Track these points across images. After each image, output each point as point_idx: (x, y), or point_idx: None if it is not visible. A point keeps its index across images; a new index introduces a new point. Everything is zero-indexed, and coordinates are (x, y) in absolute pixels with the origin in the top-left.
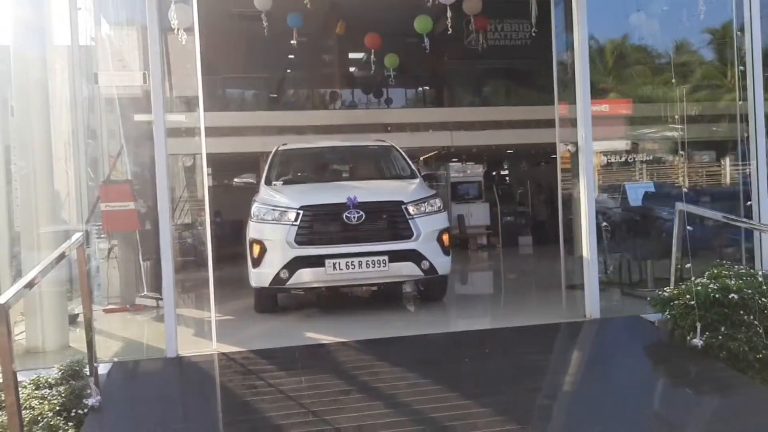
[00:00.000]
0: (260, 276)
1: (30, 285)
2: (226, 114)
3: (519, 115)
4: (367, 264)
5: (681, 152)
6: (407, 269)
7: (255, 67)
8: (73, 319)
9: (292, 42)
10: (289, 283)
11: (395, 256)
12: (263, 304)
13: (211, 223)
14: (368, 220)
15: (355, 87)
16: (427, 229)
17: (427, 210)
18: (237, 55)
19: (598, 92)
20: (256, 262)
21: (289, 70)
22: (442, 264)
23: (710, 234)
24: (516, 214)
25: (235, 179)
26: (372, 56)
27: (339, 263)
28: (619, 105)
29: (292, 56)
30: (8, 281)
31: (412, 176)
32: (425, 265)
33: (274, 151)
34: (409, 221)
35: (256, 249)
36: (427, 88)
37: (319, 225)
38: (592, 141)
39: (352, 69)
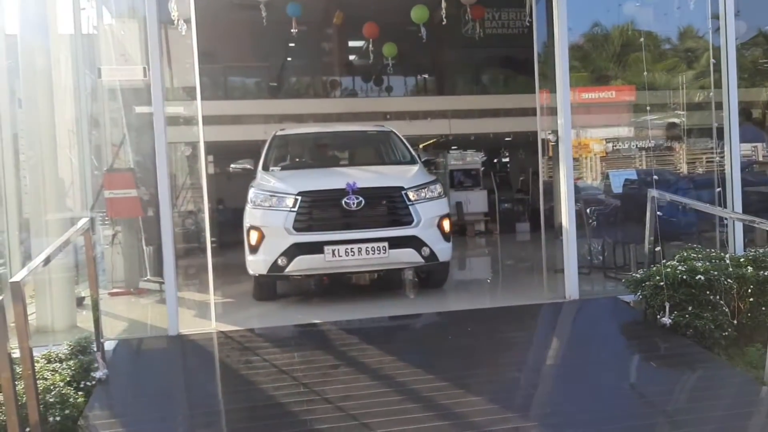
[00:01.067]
0: (258, 263)
1: (42, 265)
2: (227, 102)
3: (516, 103)
4: (366, 251)
5: (670, 140)
6: (407, 256)
7: (255, 55)
8: (79, 302)
9: (292, 31)
10: (287, 270)
11: (395, 243)
12: (262, 292)
13: (214, 210)
14: (368, 206)
15: (355, 75)
16: (428, 215)
17: (427, 196)
18: (237, 44)
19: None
20: (254, 249)
21: (289, 59)
22: (443, 250)
23: (695, 220)
24: (513, 201)
25: (232, 165)
26: (370, 45)
27: (338, 250)
28: (621, 91)
29: (292, 45)
30: (19, 265)
31: (412, 162)
32: (425, 251)
33: (271, 136)
34: (409, 207)
35: (254, 235)
36: (426, 76)
37: (318, 211)
38: (570, 130)
39: (351, 57)
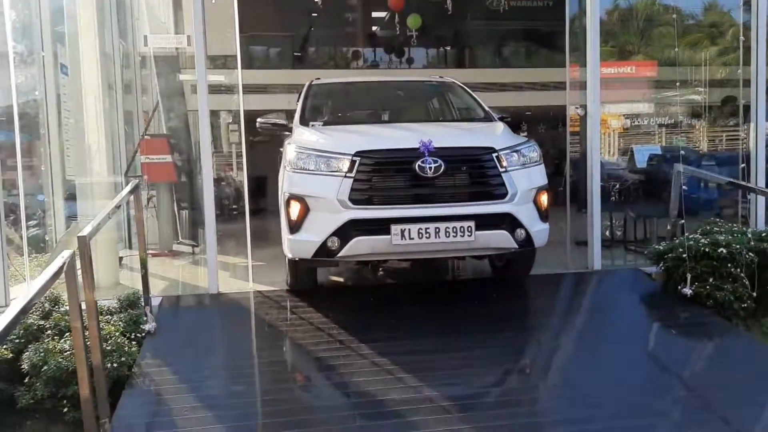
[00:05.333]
0: (300, 245)
1: (104, 222)
2: (251, 72)
3: (539, 77)
4: (446, 232)
5: (695, 118)
6: (498, 240)
7: (279, 25)
8: (119, 261)
9: (315, 0)
10: (340, 255)
11: (483, 222)
12: (300, 280)
13: (233, 180)
14: (448, 172)
15: (377, 46)
16: (524, 186)
17: (523, 161)
18: (262, 14)
19: (616, 54)
20: (295, 226)
21: (312, 29)
22: (540, 233)
23: (717, 195)
24: None
25: (259, 120)
26: (396, 17)
27: (409, 230)
28: (644, 67)
29: (315, 14)
30: (63, 224)
31: (488, 119)
32: (520, 234)
33: (307, 86)
34: (503, 175)
35: (295, 209)
36: (449, 48)
37: (383, 177)
38: (599, 104)
39: (375, 28)
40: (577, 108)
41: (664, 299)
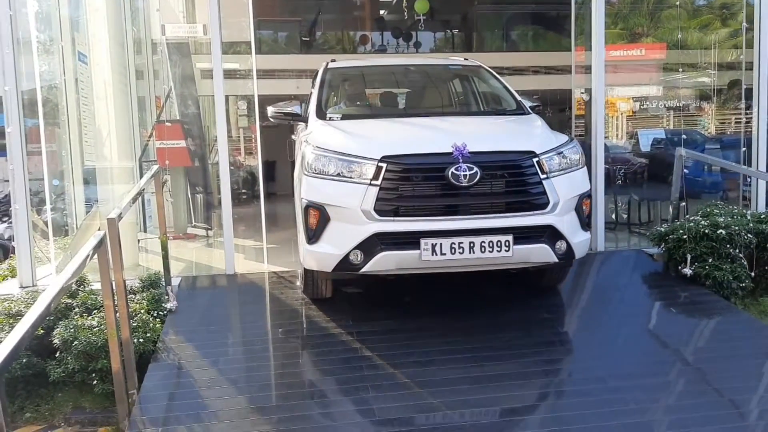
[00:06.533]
0: (319, 257)
1: (128, 205)
2: (258, 57)
3: (545, 61)
4: (482, 247)
5: (704, 101)
6: (538, 254)
7: (287, 10)
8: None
9: None
10: (363, 270)
11: (523, 236)
12: (315, 288)
13: (241, 165)
14: (484, 180)
15: (384, 30)
16: (567, 194)
17: (565, 165)
18: None
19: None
20: (314, 236)
21: (320, 13)
22: (581, 244)
23: (721, 179)
24: None
25: (270, 108)
26: (403, 2)
27: (441, 245)
28: (653, 50)
29: None
30: (83, 207)
31: (520, 110)
32: (561, 247)
33: (322, 70)
34: (543, 183)
35: (314, 217)
36: (456, 31)
37: (412, 187)
38: (604, 88)
39: (382, 12)
40: (582, 92)
41: (664, 278)
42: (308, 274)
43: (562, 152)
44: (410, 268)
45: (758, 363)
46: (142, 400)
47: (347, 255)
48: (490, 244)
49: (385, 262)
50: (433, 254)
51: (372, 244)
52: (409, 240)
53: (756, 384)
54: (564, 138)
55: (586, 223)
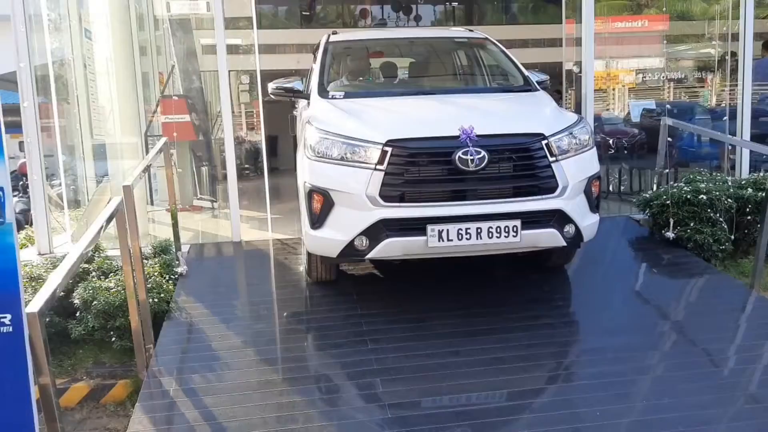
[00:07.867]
0: (322, 242)
1: (139, 176)
2: (259, 32)
3: (545, 34)
4: (489, 232)
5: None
6: (546, 239)
7: None
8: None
9: None
10: (369, 255)
11: (531, 220)
12: (320, 272)
13: (243, 140)
14: (492, 164)
15: (384, 3)
16: (576, 176)
17: (575, 146)
18: None
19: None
20: (317, 221)
21: None
22: (590, 227)
23: (714, 149)
24: None
25: (271, 84)
26: None
27: (447, 231)
28: (655, 21)
29: None
30: (93, 183)
31: (527, 86)
32: (569, 230)
33: (323, 43)
34: (552, 166)
35: (318, 202)
36: (456, 4)
37: (419, 171)
38: (593, 60)
39: None
40: (573, 65)
41: (649, 242)
42: (312, 257)
43: (571, 133)
44: (417, 254)
45: (737, 318)
46: (158, 353)
47: (352, 241)
48: (498, 230)
49: (390, 248)
50: (439, 240)
51: (377, 230)
52: (416, 226)
53: (728, 335)
54: (573, 117)
55: (595, 205)
